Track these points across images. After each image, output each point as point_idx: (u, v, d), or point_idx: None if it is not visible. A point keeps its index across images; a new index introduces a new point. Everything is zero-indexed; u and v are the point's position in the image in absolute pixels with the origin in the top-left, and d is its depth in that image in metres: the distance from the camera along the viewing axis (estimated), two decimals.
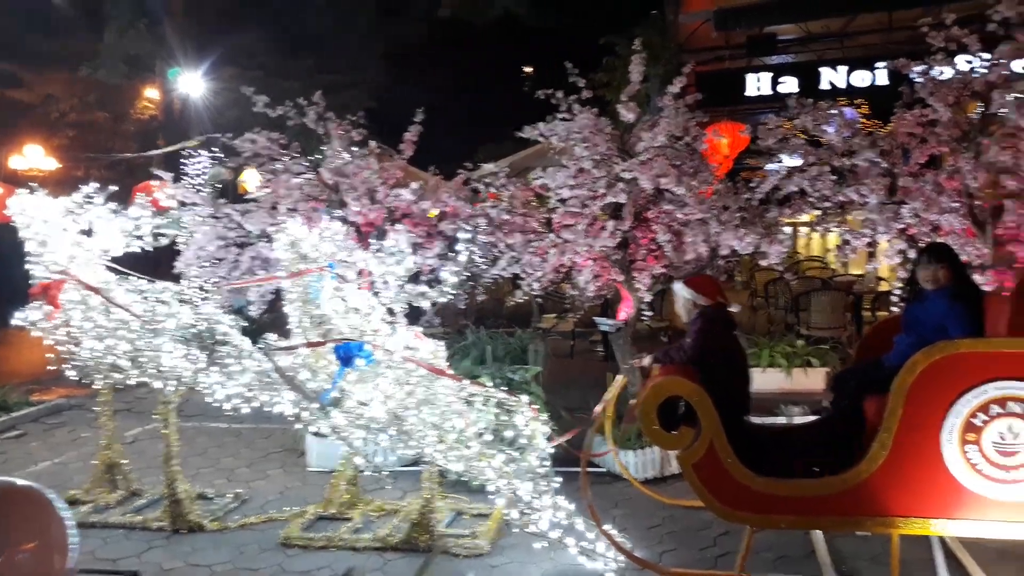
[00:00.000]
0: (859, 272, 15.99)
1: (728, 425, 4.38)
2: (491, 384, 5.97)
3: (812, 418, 6.45)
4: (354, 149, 6.86)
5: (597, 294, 6.80)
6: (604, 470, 6.35)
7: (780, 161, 6.08)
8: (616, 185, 5.61)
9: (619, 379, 5.50)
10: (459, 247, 5.78)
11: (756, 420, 6.29)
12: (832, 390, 4.76)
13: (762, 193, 5.92)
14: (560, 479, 4.96)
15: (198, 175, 14.94)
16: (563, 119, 5.95)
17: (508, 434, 4.82)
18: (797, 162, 5.98)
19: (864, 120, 9.15)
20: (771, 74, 14.12)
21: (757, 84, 14.13)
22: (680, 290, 4.74)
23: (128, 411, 8.85)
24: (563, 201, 6.05)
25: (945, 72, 5.52)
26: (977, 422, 3.99)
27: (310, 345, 4.95)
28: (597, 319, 6.52)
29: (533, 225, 6.39)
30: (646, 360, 4.80)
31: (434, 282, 5.20)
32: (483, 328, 8.01)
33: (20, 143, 17.14)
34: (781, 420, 6.22)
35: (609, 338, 6.46)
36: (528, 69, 28.96)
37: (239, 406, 5.27)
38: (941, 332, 4.36)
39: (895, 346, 4.63)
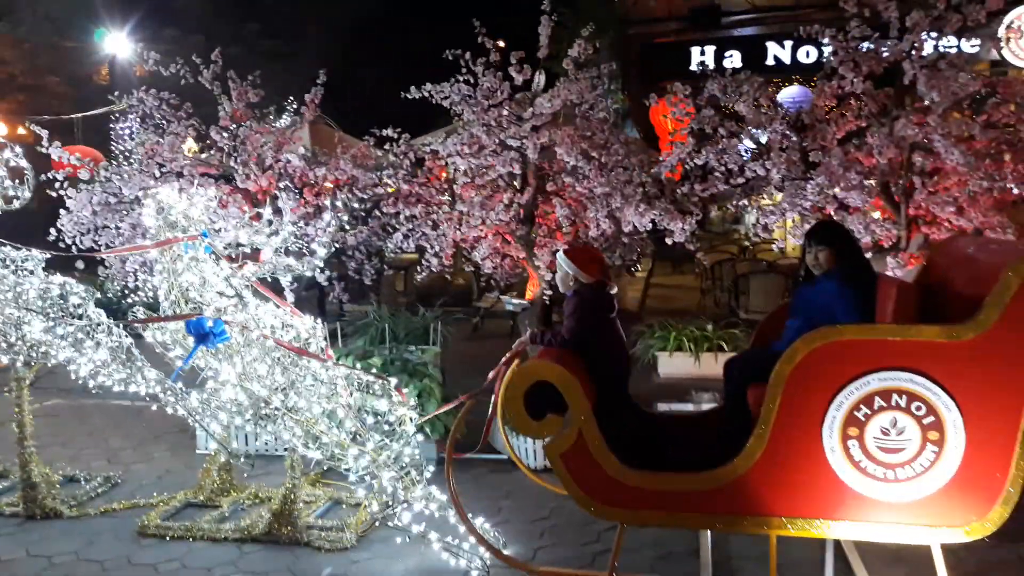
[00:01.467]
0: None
1: (605, 413, 4.06)
2: (378, 366, 5.64)
3: (711, 407, 6.18)
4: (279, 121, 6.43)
5: (499, 272, 6.45)
6: (504, 457, 6.02)
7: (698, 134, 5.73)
8: (505, 153, 5.23)
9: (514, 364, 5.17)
10: (326, 216, 5.38)
11: (662, 407, 6.01)
12: (724, 378, 4.45)
13: (668, 166, 5.57)
14: (432, 469, 4.62)
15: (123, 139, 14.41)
16: (466, 82, 5.55)
17: (381, 419, 4.48)
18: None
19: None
20: (715, 47, 13.63)
21: (701, 57, 13.69)
22: (561, 261, 4.38)
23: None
24: (465, 172, 5.67)
25: (863, 43, 5.19)
26: (860, 416, 3.68)
27: (157, 320, 4.56)
28: (504, 298, 6.16)
29: (436, 196, 6.00)
30: (525, 338, 4.46)
31: (306, 254, 4.81)
32: (429, 308, 7.61)
33: None
34: (688, 407, 5.92)
35: (517, 319, 6.10)
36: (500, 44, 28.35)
37: (104, 383, 4.89)
38: (828, 318, 4.05)
39: (785, 331, 4.32)
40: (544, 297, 5.89)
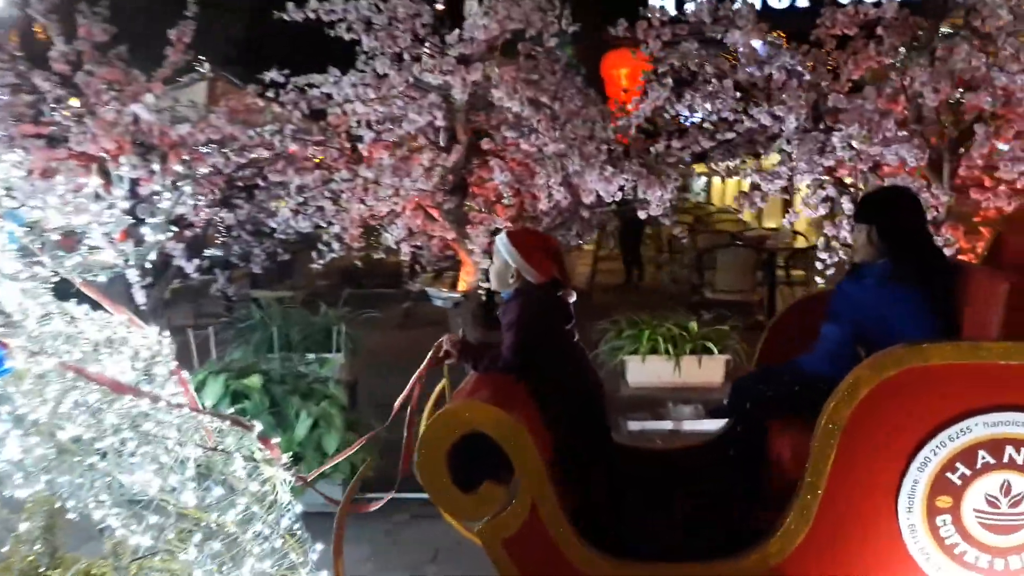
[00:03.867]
0: (773, 226, 14.74)
1: (568, 473, 2.74)
2: (257, 388, 4.21)
3: (706, 425, 4.92)
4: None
5: (424, 255, 5.08)
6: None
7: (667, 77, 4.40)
8: (423, 98, 3.82)
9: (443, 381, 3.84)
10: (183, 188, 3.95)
11: (634, 425, 4.73)
12: (730, 406, 3.17)
13: (640, 117, 4.23)
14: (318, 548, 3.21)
15: None
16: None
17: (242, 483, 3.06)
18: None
19: None
20: None
21: (660, 2, 12.33)
22: (500, 247, 3.02)
23: None
24: (371, 125, 4.24)
25: None
26: (955, 479, 2.44)
27: None
28: (430, 290, 4.79)
29: (336, 159, 4.57)
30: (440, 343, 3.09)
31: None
32: (343, 303, 6.17)
33: None
34: (667, 425, 4.64)
35: (448, 315, 4.73)
36: None
37: None
38: (884, 326, 2.80)
39: (820, 341, 3.05)
40: (480, 291, 4.53)
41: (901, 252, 2.81)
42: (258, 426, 3.02)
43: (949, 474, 2.43)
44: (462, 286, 4.75)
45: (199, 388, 4.25)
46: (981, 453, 2.41)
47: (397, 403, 3.27)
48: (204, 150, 4.72)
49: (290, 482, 3.00)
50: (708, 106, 4.06)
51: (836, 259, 4.04)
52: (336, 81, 3.89)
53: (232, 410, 4.14)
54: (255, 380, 4.23)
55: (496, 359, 2.96)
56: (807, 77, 3.91)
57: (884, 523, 2.49)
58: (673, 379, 4.66)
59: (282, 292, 9.04)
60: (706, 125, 4.12)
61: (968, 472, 2.43)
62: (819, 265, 4.11)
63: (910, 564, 2.48)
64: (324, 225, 4.53)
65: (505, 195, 4.14)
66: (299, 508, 3.07)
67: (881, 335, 2.82)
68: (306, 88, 4.10)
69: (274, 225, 4.68)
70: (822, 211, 3.97)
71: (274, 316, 5.05)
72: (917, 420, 2.44)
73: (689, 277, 10.36)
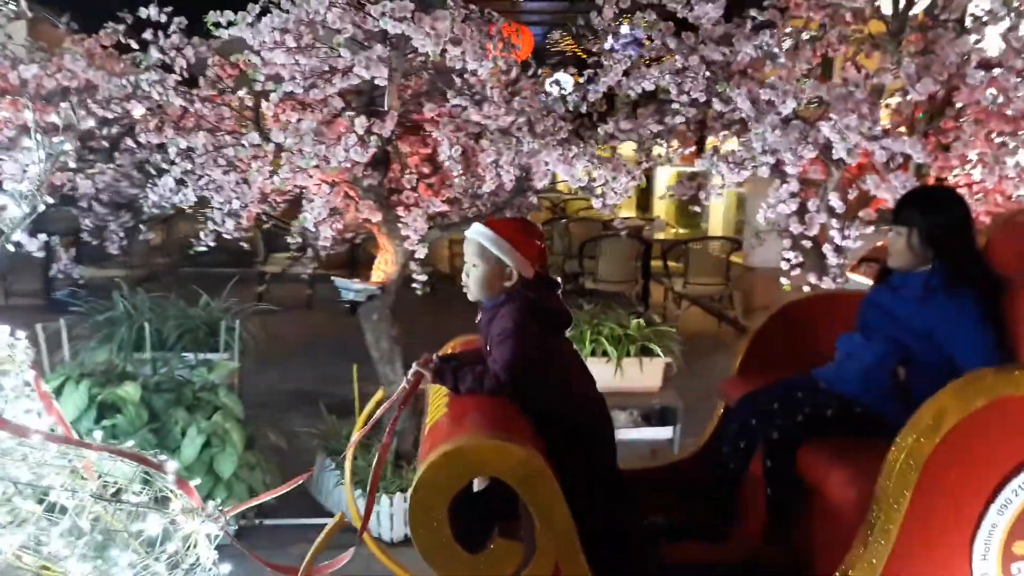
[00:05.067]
0: (628, 214, 14.81)
1: (584, 521, 2.22)
2: (133, 401, 3.37)
3: (646, 433, 4.54)
4: None
5: (341, 239, 4.37)
6: (326, 520, 4.01)
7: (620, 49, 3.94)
8: (365, 52, 3.12)
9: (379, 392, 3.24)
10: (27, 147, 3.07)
11: None
12: (737, 429, 2.77)
13: (598, 91, 3.75)
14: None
15: None
16: None
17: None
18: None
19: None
20: None
21: None
22: (488, 243, 2.44)
23: None
24: (280, 81, 3.48)
25: None
26: None
27: None
28: (338, 281, 4.08)
29: (229, 120, 3.76)
30: (410, 374, 2.48)
31: None
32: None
33: None
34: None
35: (359, 312, 4.05)
36: None
37: None
38: (929, 343, 2.50)
39: (848, 357, 2.72)
40: (416, 283, 3.88)
41: (949, 259, 2.50)
42: (171, 465, 2.32)
43: None
44: (378, 276, 4.08)
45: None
46: None
47: (355, 437, 2.63)
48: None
49: (217, 538, 2.32)
50: (675, 86, 3.64)
51: (801, 259, 3.77)
52: (252, 23, 3.12)
53: (100, 427, 3.33)
54: (131, 389, 3.40)
55: (481, 378, 2.39)
56: (781, 60, 3.58)
57: (956, 572, 2.18)
58: (614, 383, 4.24)
59: (113, 271, 7.82)
60: (676, 105, 3.69)
61: None
62: (784, 265, 3.82)
63: None
64: (216, 199, 3.70)
65: (454, 171, 3.52)
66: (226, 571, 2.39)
67: (926, 353, 2.52)
68: (210, 31, 3.26)
69: (153, 196, 3.78)
70: (792, 207, 3.67)
71: (143, 307, 4.15)
72: (1000, 457, 2.14)
73: (562, 265, 10.05)
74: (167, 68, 3.72)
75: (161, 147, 3.97)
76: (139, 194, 4.27)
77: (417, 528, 2.03)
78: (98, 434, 2.38)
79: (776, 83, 3.34)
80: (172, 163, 3.75)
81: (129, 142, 3.99)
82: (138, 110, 3.74)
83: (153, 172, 4.01)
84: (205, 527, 2.25)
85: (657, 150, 4.13)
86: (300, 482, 2.50)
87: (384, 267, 4.08)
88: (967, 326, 2.43)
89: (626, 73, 3.74)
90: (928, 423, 2.10)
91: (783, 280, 3.85)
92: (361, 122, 3.29)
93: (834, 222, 3.60)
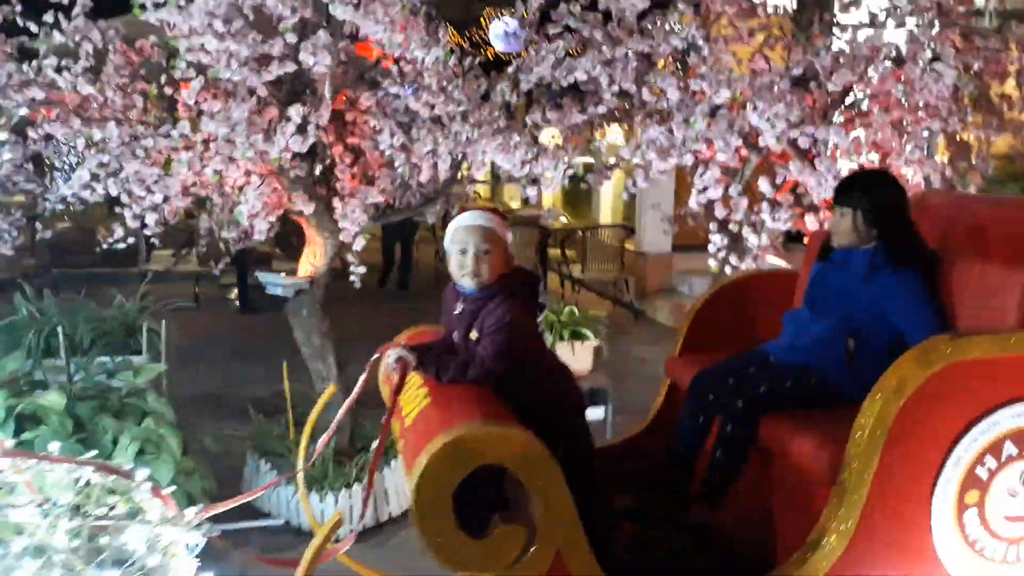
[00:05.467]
0: (515, 206, 14.98)
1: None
2: (56, 409, 3.12)
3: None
4: None
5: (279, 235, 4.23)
6: (280, 523, 3.89)
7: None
8: (311, 39, 2.99)
9: (329, 387, 3.17)
10: None
11: None
12: (694, 402, 2.87)
13: (530, 81, 3.76)
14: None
15: None
16: None
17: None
18: None
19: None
20: None
21: None
22: (489, 222, 2.43)
23: None
24: (201, 69, 3.29)
25: None
26: (982, 473, 2.37)
27: None
28: (264, 276, 3.92)
29: (141, 112, 3.52)
30: (393, 360, 2.44)
31: None
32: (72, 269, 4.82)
33: None
34: None
35: (287, 308, 3.91)
36: None
37: None
38: (876, 317, 2.68)
39: (797, 333, 2.87)
40: (352, 276, 3.77)
41: (891, 238, 2.69)
42: (141, 472, 2.19)
43: (978, 469, 2.35)
44: (306, 270, 3.95)
45: None
46: (1007, 445, 2.36)
47: (325, 437, 2.54)
48: None
49: (197, 546, 2.21)
50: (605, 76, 3.71)
51: (727, 242, 3.93)
52: (183, 6, 2.92)
53: (20, 440, 3.10)
54: (54, 398, 3.15)
55: (465, 368, 2.38)
56: (706, 52, 3.72)
57: (917, 526, 2.35)
58: None
59: None
60: (608, 96, 3.75)
61: (995, 465, 2.36)
62: (711, 248, 3.98)
63: (936, 565, 2.38)
64: (137, 193, 3.47)
65: (398, 162, 3.44)
66: None
67: (872, 326, 2.70)
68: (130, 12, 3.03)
69: (65, 191, 3.50)
70: (719, 192, 3.83)
71: (50, 310, 3.83)
72: (954, 416, 2.33)
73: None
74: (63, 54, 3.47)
75: (49, 139, 3.70)
76: (35, 189, 3.96)
77: (423, 519, 2.01)
78: (54, 446, 2.20)
79: (707, 74, 3.46)
80: (76, 156, 3.49)
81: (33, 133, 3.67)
82: (37, 95, 3.45)
83: (55, 165, 3.72)
84: (188, 536, 2.13)
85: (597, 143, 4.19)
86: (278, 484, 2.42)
87: (312, 260, 3.96)
88: (913, 300, 2.61)
89: (556, 64, 3.77)
90: (893, 388, 2.26)
91: (710, 262, 4.01)
92: (297, 111, 3.17)
93: (764, 206, 3.78)
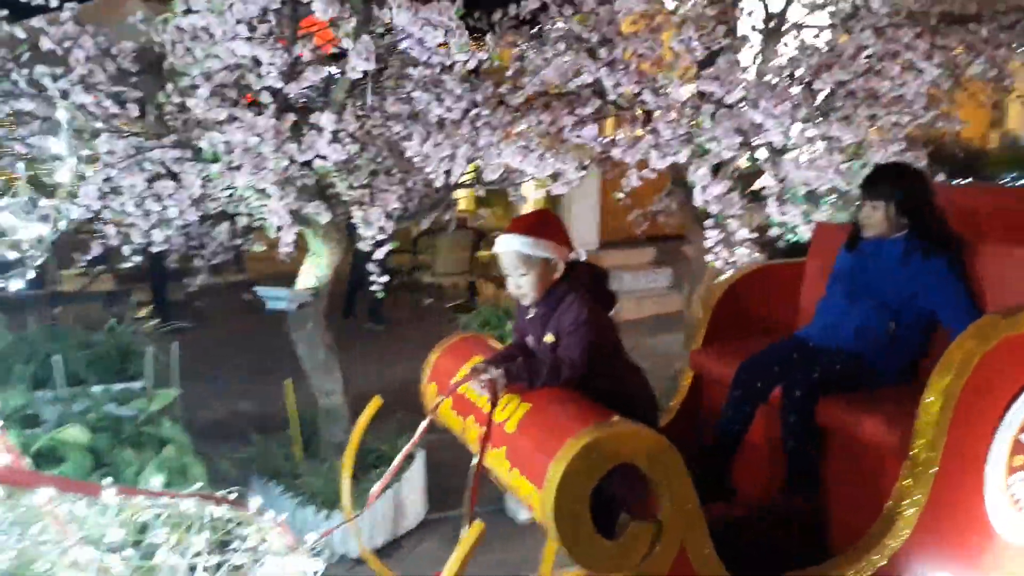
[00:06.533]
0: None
1: None
2: (83, 442, 2.91)
3: None
4: None
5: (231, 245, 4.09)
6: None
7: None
8: (363, 42, 2.90)
9: (375, 399, 3.10)
10: None
11: None
12: (741, 393, 2.99)
13: (536, 84, 3.79)
14: None
15: None
16: None
17: None
18: None
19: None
20: None
21: None
22: (520, 246, 2.48)
23: None
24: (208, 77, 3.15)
25: None
26: None
27: None
28: (262, 290, 3.78)
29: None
30: (491, 373, 2.44)
31: None
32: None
33: None
34: None
35: (288, 322, 3.80)
36: None
37: None
38: (912, 300, 2.88)
39: (829, 315, 3.04)
40: (373, 285, 3.66)
41: (922, 226, 2.89)
42: (255, 502, 2.12)
43: (1023, 436, 2.57)
44: (308, 281, 3.84)
45: None
46: None
47: (380, 484, 2.50)
48: None
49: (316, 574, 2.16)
50: (607, 78, 3.79)
51: (722, 235, 4.08)
52: (222, 11, 2.76)
53: None
54: (76, 432, 2.96)
55: (556, 371, 2.42)
56: (698, 53, 3.86)
57: (973, 491, 2.55)
58: None
59: None
60: (612, 96, 3.83)
61: None
62: (708, 243, 4.12)
63: (987, 526, 2.58)
64: (152, 209, 3.27)
65: (418, 162, 3.39)
66: None
67: (908, 309, 2.89)
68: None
69: (75, 213, 3.25)
70: (720, 188, 3.97)
71: (37, 337, 3.55)
72: (1006, 386, 2.53)
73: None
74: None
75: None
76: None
77: (562, 523, 2.03)
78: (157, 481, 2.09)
79: (720, 74, 3.60)
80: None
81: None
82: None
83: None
84: (311, 565, 2.07)
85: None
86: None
87: (316, 271, 3.86)
88: (946, 283, 2.82)
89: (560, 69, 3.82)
90: (957, 364, 2.44)
91: (708, 257, 4.16)
92: (329, 119, 3.08)
93: (773, 199, 3.96)
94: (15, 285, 1.85)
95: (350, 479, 3.09)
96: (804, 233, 4.21)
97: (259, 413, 5.05)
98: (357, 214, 3.45)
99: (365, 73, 3.08)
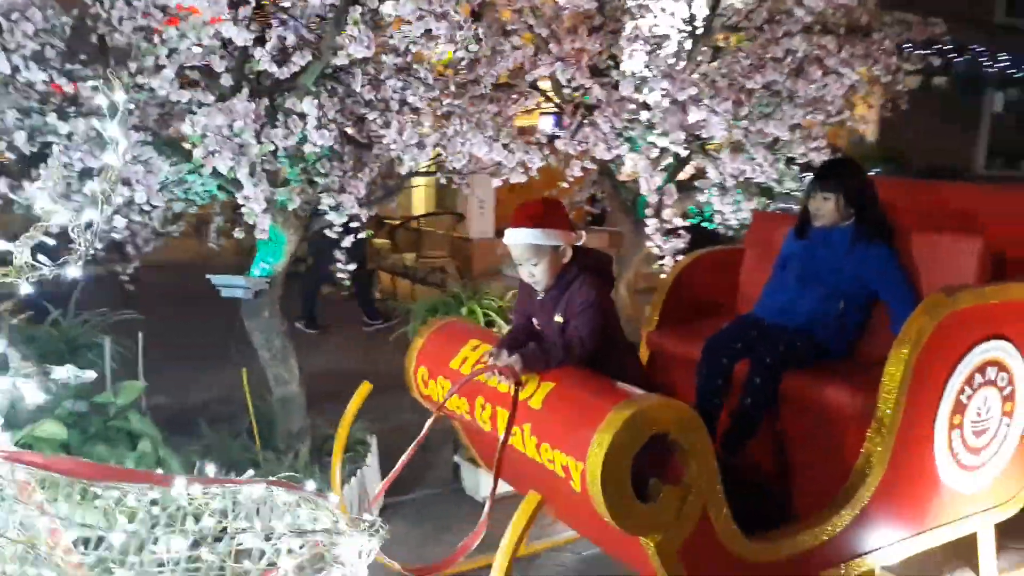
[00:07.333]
0: None
1: None
2: (60, 438, 2.76)
3: None
4: None
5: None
6: None
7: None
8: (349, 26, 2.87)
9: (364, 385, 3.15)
10: None
11: None
12: (709, 369, 3.22)
13: (494, 74, 3.88)
14: None
15: None
16: None
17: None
18: None
19: None
20: None
21: None
22: (531, 239, 2.63)
23: None
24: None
25: None
26: (964, 399, 2.98)
27: None
28: (217, 279, 3.68)
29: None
30: (507, 360, 2.55)
31: None
32: None
33: None
34: None
35: (243, 309, 3.74)
36: None
37: None
38: (858, 283, 3.21)
39: (781, 297, 3.33)
40: (339, 275, 3.63)
41: (867, 215, 3.22)
42: (310, 484, 2.16)
43: (961, 396, 2.95)
44: (261, 270, 3.77)
45: None
46: (976, 376, 2.98)
47: (385, 483, 2.55)
48: None
49: (371, 552, 2.21)
50: (561, 73, 3.94)
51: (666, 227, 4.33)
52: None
53: None
54: (53, 428, 2.81)
55: (568, 349, 2.57)
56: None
57: (926, 448, 2.91)
58: None
59: None
60: (565, 90, 3.98)
61: (970, 392, 2.97)
62: (648, 230, 4.35)
63: (935, 475, 2.95)
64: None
65: (397, 150, 3.39)
66: None
67: (854, 291, 3.22)
68: None
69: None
70: (659, 180, 4.21)
71: None
72: (948, 357, 2.89)
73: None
74: None
75: None
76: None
77: (607, 489, 2.18)
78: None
79: (673, 73, 3.83)
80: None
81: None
82: None
83: None
84: (372, 543, 2.10)
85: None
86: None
87: (271, 258, 3.80)
88: (889, 267, 3.16)
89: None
90: (913, 338, 2.77)
91: (648, 244, 4.40)
92: (311, 105, 3.05)
93: (715, 191, 4.25)
94: (73, 272, 1.74)
95: (340, 461, 3.14)
96: (731, 221, 4.56)
97: (211, 402, 4.93)
98: (327, 201, 3.43)
99: (351, 61, 3.07)
